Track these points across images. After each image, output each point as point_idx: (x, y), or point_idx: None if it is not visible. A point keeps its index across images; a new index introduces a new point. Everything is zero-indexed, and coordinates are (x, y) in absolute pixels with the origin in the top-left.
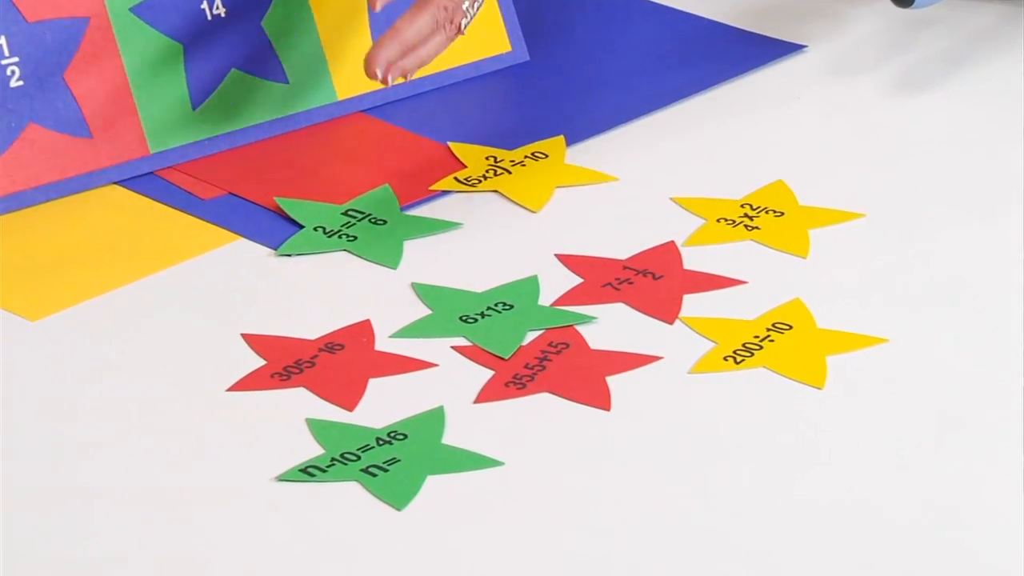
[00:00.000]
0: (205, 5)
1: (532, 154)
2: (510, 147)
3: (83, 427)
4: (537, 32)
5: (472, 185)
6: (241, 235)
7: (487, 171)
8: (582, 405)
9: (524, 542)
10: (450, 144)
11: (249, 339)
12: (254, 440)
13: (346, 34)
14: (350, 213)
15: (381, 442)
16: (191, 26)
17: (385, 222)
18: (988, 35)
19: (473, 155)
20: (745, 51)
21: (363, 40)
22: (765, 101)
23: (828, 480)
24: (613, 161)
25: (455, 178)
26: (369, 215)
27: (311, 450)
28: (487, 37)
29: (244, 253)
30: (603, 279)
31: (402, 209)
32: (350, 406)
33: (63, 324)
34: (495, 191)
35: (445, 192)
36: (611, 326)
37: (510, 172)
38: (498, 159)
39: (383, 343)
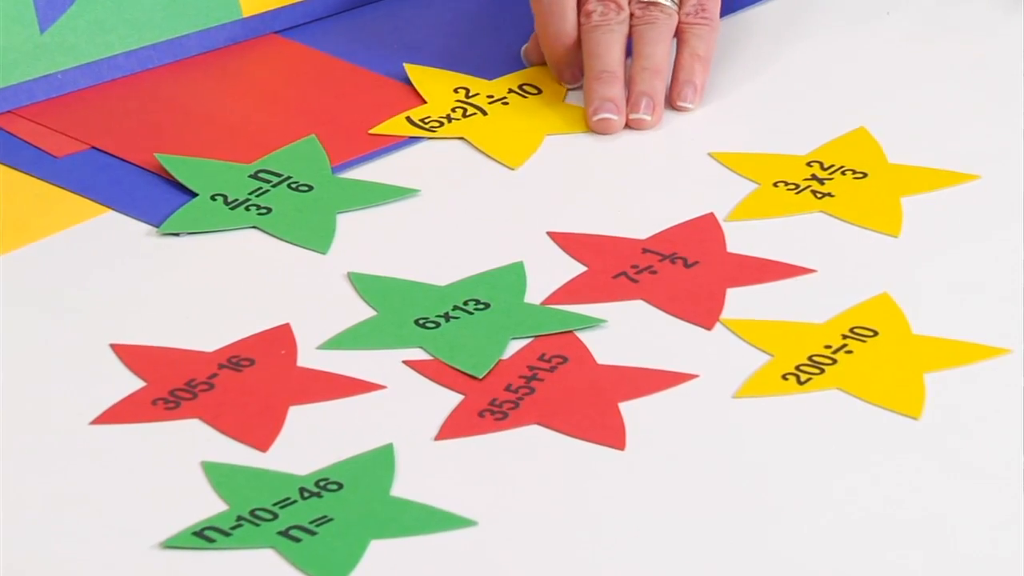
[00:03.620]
0: None
1: (519, 87)
2: (489, 76)
3: None
4: None
5: (430, 129)
6: (109, 207)
7: (454, 109)
8: (585, 442)
9: None
10: (406, 66)
11: (122, 351)
12: (131, 492)
13: None
14: (261, 175)
15: (307, 494)
16: None
17: (310, 188)
18: None
19: (437, 85)
20: None
21: None
22: (841, 17)
23: (930, 547)
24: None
25: (408, 119)
26: (288, 178)
27: (210, 506)
28: None
29: (114, 231)
30: (615, 266)
31: (334, 170)
32: (263, 444)
33: None
34: (462, 139)
35: (393, 145)
36: (626, 332)
37: (486, 112)
38: (471, 92)
39: (308, 356)
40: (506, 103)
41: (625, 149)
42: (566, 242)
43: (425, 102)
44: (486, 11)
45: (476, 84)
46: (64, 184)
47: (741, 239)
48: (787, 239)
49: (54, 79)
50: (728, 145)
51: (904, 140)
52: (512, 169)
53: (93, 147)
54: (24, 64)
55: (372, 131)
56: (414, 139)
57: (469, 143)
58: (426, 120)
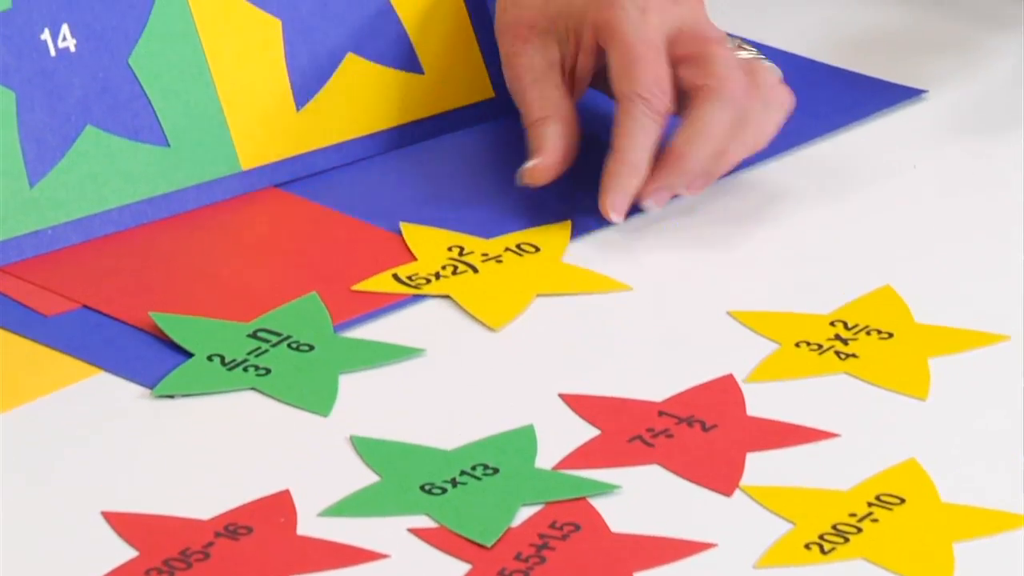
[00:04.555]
0: (47, 35)
1: (517, 246)
2: (488, 235)
3: None
4: None
5: (416, 286)
6: (102, 368)
7: (444, 267)
8: None
9: None
10: (403, 226)
11: (113, 519)
12: None
13: (254, 77)
14: (260, 335)
15: None
16: (27, 64)
17: (312, 348)
18: None
19: (430, 243)
20: (841, 97)
21: (278, 86)
22: (867, 169)
23: None
24: (644, 255)
25: (394, 275)
26: (288, 338)
27: None
28: (461, 77)
29: (106, 394)
30: (630, 430)
31: (336, 329)
32: None
33: None
34: (446, 296)
35: (398, 303)
36: (641, 499)
37: (476, 270)
38: (465, 251)
39: (309, 524)
40: (500, 261)
41: (639, 306)
42: (578, 404)
43: (416, 259)
44: (491, 166)
45: (471, 243)
46: (54, 344)
47: (761, 402)
48: (809, 402)
49: (44, 235)
50: (748, 303)
51: (931, 299)
52: (493, 330)
53: (85, 306)
54: (13, 219)
55: (355, 287)
56: (420, 297)
57: (453, 301)
58: (413, 278)
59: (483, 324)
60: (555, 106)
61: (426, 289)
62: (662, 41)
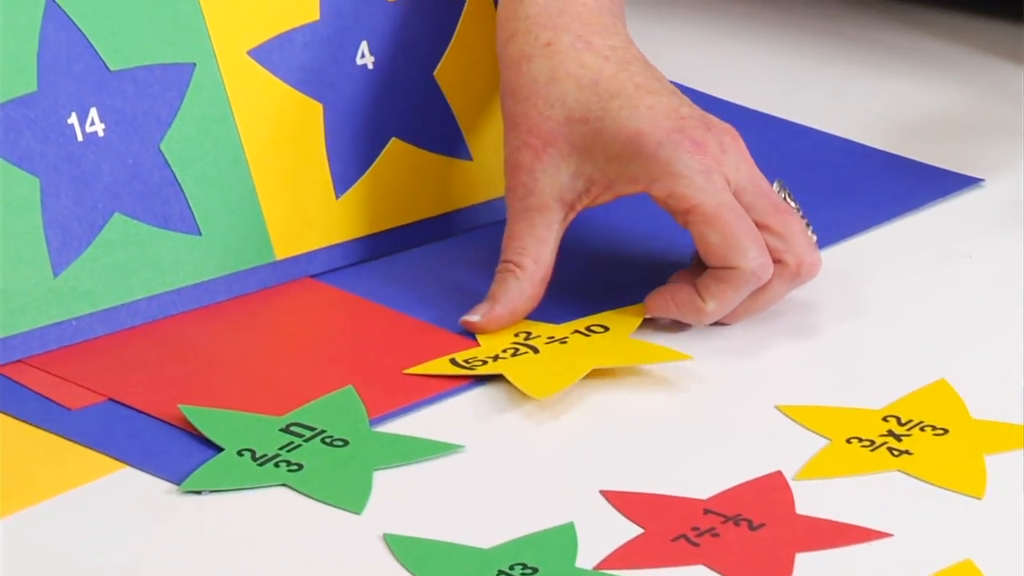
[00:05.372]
0: (74, 119)
1: (586, 329)
2: (559, 320)
3: None
4: None
5: (470, 367)
6: (127, 463)
7: (505, 350)
8: None
9: None
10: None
11: None
12: None
13: (292, 163)
14: (293, 429)
15: None
16: (52, 150)
17: (346, 443)
18: None
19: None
20: (897, 186)
21: (316, 172)
22: (921, 259)
23: None
24: (691, 346)
25: (452, 360)
26: (322, 432)
27: None
28: None
29: (131, 489)
30: (674, 529)
31: (372, 423)
32: None
33: None
34: (499, 375)
35: (436, 396)
36: None
37: (537, 351)
38: (532, 335)
39: None
40: (564, 342)
41: (685, 400)
42: (621, 501)
43: (480, 344)
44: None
45: (540, 327)
46: (78, 438)
47: (811, 500)
48: (861, 500)
49: (68, 326)
50: (797, 397)
51: (988, 393)
52: (535, 399)
53: (110, 398)
54: (35, 310)
55: (408, 371)
56: (458, 389)
57: (505, 379)
58: (469, 360)
59: (526, 396)
60: (534, 254)
61: (480, 370)
62: (735, 199)
